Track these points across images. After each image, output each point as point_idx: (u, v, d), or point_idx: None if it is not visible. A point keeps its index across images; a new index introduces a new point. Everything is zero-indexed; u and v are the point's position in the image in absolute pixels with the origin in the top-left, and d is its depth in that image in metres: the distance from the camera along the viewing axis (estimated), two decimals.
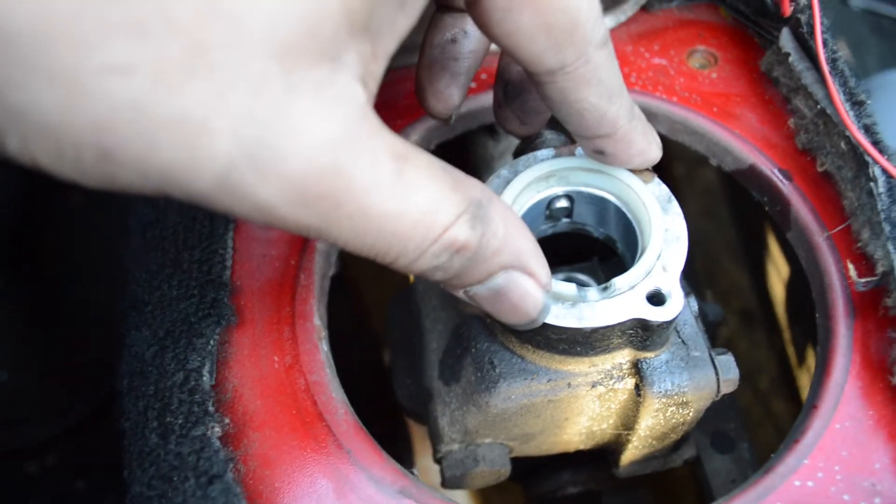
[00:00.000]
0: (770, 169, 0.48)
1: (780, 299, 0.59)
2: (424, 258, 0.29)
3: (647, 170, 0.42)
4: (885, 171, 0.41)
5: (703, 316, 0.58)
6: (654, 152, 0.38)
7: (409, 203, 0.28)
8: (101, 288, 0.72)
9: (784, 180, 0.47)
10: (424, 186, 0.28)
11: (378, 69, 0.29)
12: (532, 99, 0.43)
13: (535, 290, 0.33)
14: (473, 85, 0.51)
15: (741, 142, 0.49)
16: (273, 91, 0.24)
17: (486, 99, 0.52)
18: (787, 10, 0.47)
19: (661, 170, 0.42)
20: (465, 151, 0.58)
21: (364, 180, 0.27)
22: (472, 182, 0.31)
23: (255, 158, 0.24)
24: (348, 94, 0.26)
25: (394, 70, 0.48)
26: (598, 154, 0.38)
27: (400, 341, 0.52)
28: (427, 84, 0.42)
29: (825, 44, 0.44)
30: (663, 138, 0.51)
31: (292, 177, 0.25)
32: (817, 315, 0.44)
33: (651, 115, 0.52)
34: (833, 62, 0.45)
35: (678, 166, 0.60)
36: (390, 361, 0.54)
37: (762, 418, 0.63)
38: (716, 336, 0.54)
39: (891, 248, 0.40)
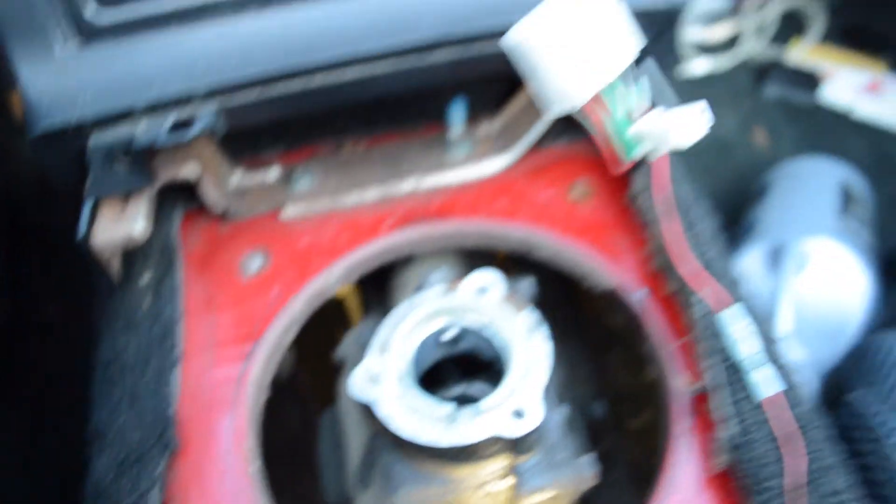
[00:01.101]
0: (630, 288, 0.57)
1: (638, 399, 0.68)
2: None
3: (520, 300, 0.51)
4: (701, 300, 0.50)
5: (588, 415, 0.67)
6: None
7: None
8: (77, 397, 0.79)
9: (641, 299, 0.57)
10: None
11: None
12: None
13: None
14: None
15: (608, 265, 0.59)
16: None
17: (402, 236, 0.61)
18: (618, 169, 0.55)
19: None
20: (385, 282, 0.67)
21: None
22: None
23: None
24: None
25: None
26: None
27: (329, 448, 0.60)
28: None
29: (663, 189, 0.54)
30: (546, 265, 0.61)
31: None
32: (665, 413, 0.52)
33: (536, 245, 0.61)
34: (677, 199, 0.55)
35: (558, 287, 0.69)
36: (321, 465, 0.62)
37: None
38: (603, 429, 0.63)
39: (706, 364, 0.49)
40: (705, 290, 0.51)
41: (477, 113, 0.66)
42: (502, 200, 0.63)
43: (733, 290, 0.52)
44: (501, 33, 0.47)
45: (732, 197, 1.23)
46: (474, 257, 0.70)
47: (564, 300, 0.71)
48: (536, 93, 0.45)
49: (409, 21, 0.53)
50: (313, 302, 0.60)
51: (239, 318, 0.59)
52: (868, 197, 1.07)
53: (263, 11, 0.53)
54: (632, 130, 0.48)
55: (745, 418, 0.49)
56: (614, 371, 0.73)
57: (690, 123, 0.47)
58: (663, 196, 0.54)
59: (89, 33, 0.52)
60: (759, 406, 0.49)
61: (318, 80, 0.54)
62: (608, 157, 0.48)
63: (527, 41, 0.42)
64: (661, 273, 0.57)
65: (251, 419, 0.53)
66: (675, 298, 0.55)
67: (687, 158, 1.31)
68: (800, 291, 0.85)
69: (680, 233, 0.53)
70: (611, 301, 0.60)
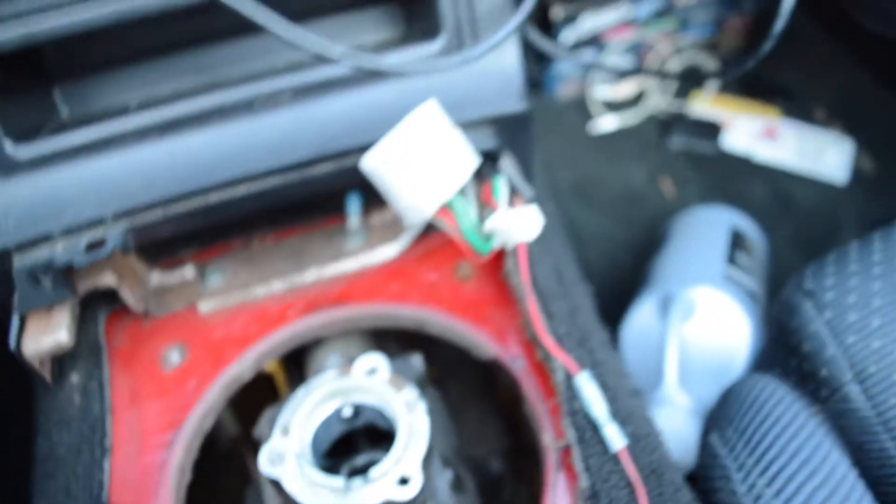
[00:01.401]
0: (509, 357, 0.65)
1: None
2: None
3: (400, 378, 0.58)
4: (562, 366, 0.58)
5: (487, 471, 0.74)
6: None
7: None
8: None
9: (517, 366, 0.64)
10: None
11: None
12: None
13: None
14: None
15: (490, 337, 0.66)
16: None
17: (307, 322, 0.69)
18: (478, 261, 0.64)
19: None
20: (300, 365, 0.74)
21: None
22: None
23: None
24: None
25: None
26: None
27: None
28: None
29: (524, 273, 0.62)
30: (435, 342, 0.69)
31: None
32: (541, 467, 0.60)
33: (427, 323, 0.69)
34: (536, 281, 0.63)
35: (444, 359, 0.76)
36: None
37: None
38: (501, 485, 0.70)
39: (565, 423, 0.57)
40: (561, 358, 0.58)
41: (371, 205, 0.74)
42: (396, 284, 0.71)
43: (584, 360, 0.60)
44: (369, 146, 0.55)
45: (645, 246, 1.32)
46: (380, 335, 0.77)
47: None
48: (392, 208, 0.53)
49: (291, 143, 0.61)
50: (229, 388, 0.67)
51: (161, 409, 0.65)
52: (759, 241, 1.16)
53: (162, 140, 0.60)
54: (484, 229, 0.56)
55: (601, 468, 0.56)
56: (519, 429, 0.81)
57: (528, 223, 0.55)
58: (524, 279, 0.62)
59: (8, 168, 0.59)
60: (613, 457, 0.56)
61: (215, 198, 0.61)
62: (467, 252, 0.56)
63: (376, 168, 0.50)
64: (531, 343, 0.65)
65: (176, 501, 0.59)
66: (544, 365, 0.63)
67: (605, 208, 1.41)
68: (688, 338, 0.93)
69: (536, 310, 0.61)
70: (496, 368, 0.67)
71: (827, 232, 1.43)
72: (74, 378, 0.67)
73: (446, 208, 0.53)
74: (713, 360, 0.93)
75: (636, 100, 1.59)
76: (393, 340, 0.79)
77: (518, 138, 0.66)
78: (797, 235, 1.41)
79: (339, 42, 0.69)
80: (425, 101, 0.59)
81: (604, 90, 1.60)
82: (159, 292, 0.72)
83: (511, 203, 0.65)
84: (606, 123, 1.57)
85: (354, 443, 0.66)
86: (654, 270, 1.08)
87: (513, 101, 0.64)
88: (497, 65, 0.64)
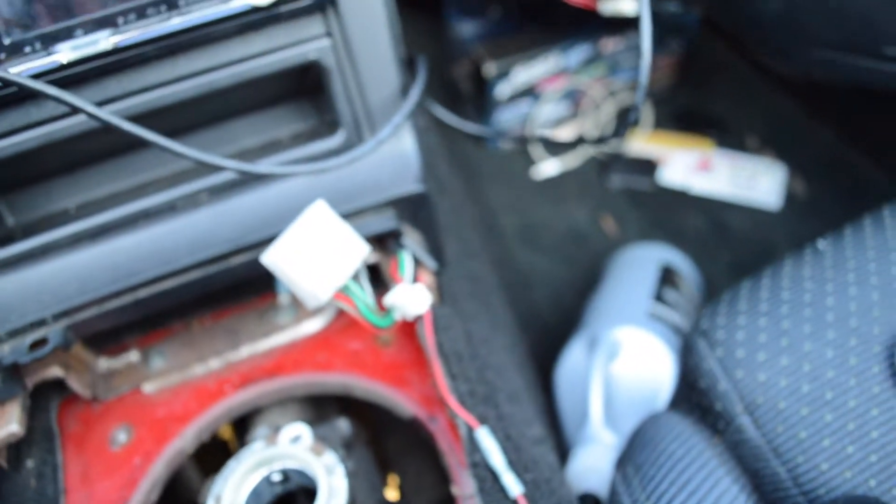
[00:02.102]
0: (426, 416, 0.71)
1: None
2: None
3: (321, 444, 0.65)
4: (465, 423, 0.65)
5: None
6: None
7: None
8: None
9: (432, 424, 0.71)
10: None
11: None
12: None
13: None
14: None
15: (407, 399, 0.73)
16: None
17: (242, 395, 0.75)
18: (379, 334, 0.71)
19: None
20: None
21: None
22: None
23: None
24: None
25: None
26: None
27: None
28: None
29: (429, 338, 0.68)
30: (362, 401, 0.75)
31: None
32: None
33: (352, 387, 0.75)
34: (439, 346, 0.69)
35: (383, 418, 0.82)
36: None
37: None
38: None
39: (468, 477, 0.63)
40: (462, 415, 0.65)
41: None
42: (323, 353, 0.78)
43: (487, 414, 0.67)
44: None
45: (589, 285, 1.39)
46: (318, 400, 0.84)
47: None
48: (294, 294, 0.60)
49: (210, 239, 0.67)
50: (172, 462, 0.73)
51: (110, 487, 0.71)
52: (690, 275, 1.23)
53: (95, 244, 0.67)
54: (384, 302, 0.63)
55: None
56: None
57: (419, 299, 0.62)
58: (429, 344, 0.68)
59: None
60: (513, 502, 0.63)
61: (143, 293, 0.68)
62: (369, 327, 0.63)
63: (274, 263, 0.57)
64: (441, 402, 0.71)
65: None
66: (453, 422, 0.69)
67: (551, 250, 1.48)
68: (614, 377, 1.00)
69: (440, 373, 0.67)
70: (417, 426, 0.73)
71: (762, 257, 1.51)
72: (29, 463, 0.72)
73: (342, 292, 0.60)
74: (639, 397, 0.99)
75: (575, 143, 1.67)
76: (330, 404, 0.85)
77: (420, 215, 0.73)
78: (733, 262, 1.49)
79: (257, 136, 0.76)
80: (329, 193, 0.67)
81: (543, 136, 1.68)
82: (107, 377, 0.78)
83: (416, 275, 0.72)
84: (548, 168, 1.64)
85: (295, 502, 0.72)
86: (586, 311, 1.15)
87: (410, 184, 0.71)
88: (394, 152, 0.71)
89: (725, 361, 0.77)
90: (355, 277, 0.61)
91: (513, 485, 0.62)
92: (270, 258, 0.58)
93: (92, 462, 0.73)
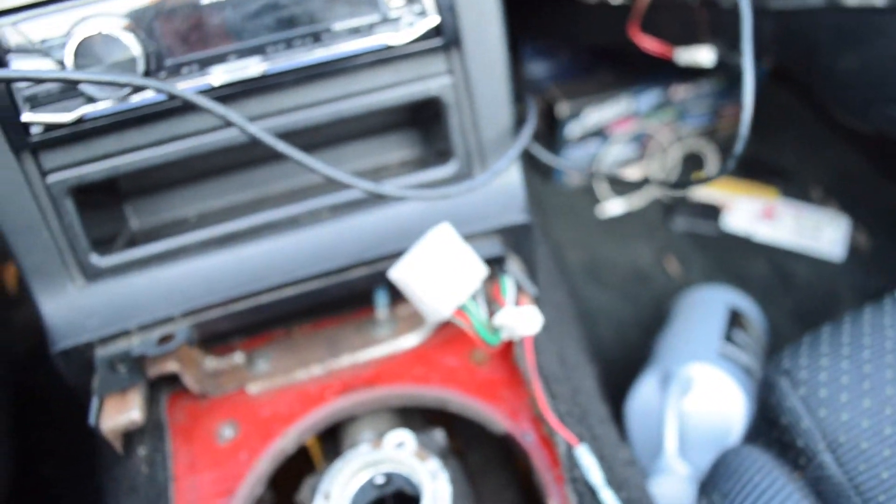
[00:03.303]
0: (519, 432, 0.75)
1: None
2: None
3: (424, 451, 0.69)
4: (564, 440, 0.68)
5: None
6: None
7: None
8: None
9: (527, 440, 0.74)
10: None
11: None
12: None
13: None
14: None
15: (501, 415, 0.76)
16: None
17: (342, 402, 0.79)
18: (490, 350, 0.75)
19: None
20: (335, 439, 0.84)
21: None
22: None
23: None
24: None
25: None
26: None
27: None
28: None
29: (530, 359, 0.72)
30: (457, 417, 0.79)
31: None
32: None
33: (447, 402, 0.79)
34: (541, 367, 0.73)
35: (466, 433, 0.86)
36: None
37: None
38: None
39: (567, 489, 0.66)
40: (563, 433, 0.68)
41: (397, 299, 0.85)
42: (419, 368, 0.82)
43: (583, 434, 0.70)
44: (398, 254, 0.66)
45: (652, 323, 1.42)
46: (406, 412, 0.87)
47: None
48: (417, 308, 0.64)
49: (330, 252, 0.72)
50: (275, 460, 0.77)
51: (217, 478, 0.75)
52: (756, 318, 1.25)
53: (222, 251, 0.72)
54: (493, 323, 0.67)
55: None
56: (532, 496, 0.89)
57: (529, 320, 0.66)
58: (530, 365, 0.72)
59: (92, 275, 0.71)
60: None
61: (266, 298, 0.73)
62: (481, 344, 0.67)
63: (402, 279, 0.61)
64: (539, 419, 0.74)
65: None
66: (550, 439, 0.72)
67: (615, 288, 1.51)
68: (686, 412, 1.02)
69: (541, 392, 0.71)
70: (509, 442, 0.77)
71: (824, 306, 1.52)
72: (141, 451, 0.77)
73: (461, 310, 0.64)
74: (710, 431, 1.02)
75: (641, 184, 1.71)
76: (418, 416, 0.89)
77: (522, 244, 0.77)
78: (796, 310, 1.50)
79: (368, 160, 0.81)
80: (442, 218, 0.71)
81: (610, 176, 1.72)
82: (213, 375, 0.83)
83: (517, 299, 0.76)
84: (614, 207, 1.68)
85: None
86: (657, 348, 1.17)
87: (516, 215, 0.75)
88: (502, 185, 0.76)
89: (808, 400, 0.79)
90: (473, 297, 0.65)
91: (611, 501, 0.65)
92: (398, 273, 0.62)
93: (199, 453, 0.78)
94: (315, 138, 0.78)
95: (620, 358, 1.40)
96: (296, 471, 0.80)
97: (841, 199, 1.68)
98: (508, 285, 0.73)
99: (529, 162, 1.76)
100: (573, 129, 1.62)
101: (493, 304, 0.74)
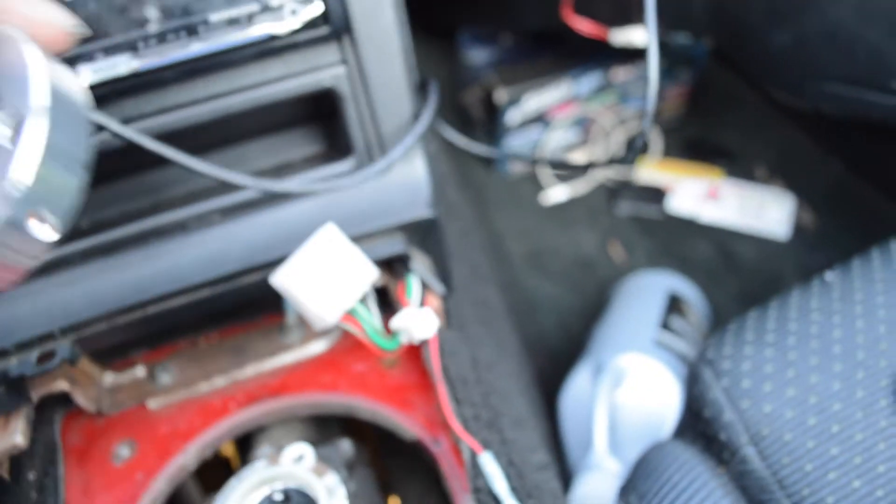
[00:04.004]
0: (429, 439, 0.71)
1: None
2: None
3: (323, 465, 0.65)
4: (468, 447, 0.64)
5: None
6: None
7: None
8: None
9: (436, 447, 0.71)
10: None
11: None
12: None
13: None
14: None
15: (411, 421, 0.73)
16: None
17: (246, 414, 0.75)
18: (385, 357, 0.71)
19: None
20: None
21: None
22: None
23: None
24: None
25: None
26: None
27: None
28: None
29: (435, 362, 0.68)
30: (366, 423, 0.75)
31: None
32: None
33: (356, 409, 0.75)
34: (445, 370, 0.70)
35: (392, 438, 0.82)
36: None
37: None
38: None
39: (468, 500, 0.63)
40: (466, 440, 0.65)
41: None
42: (327, 374, 0.78)
43: (491, 439, 0.67)
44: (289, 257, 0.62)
45: (596, 312, 1.39)
46: (321, 420, 0.84)
47: None
48: (302, 315, 0.60)
49: (220, 258, 0.68)
50: (174, 479, 0.73)
51: (110, 501, 0.71)
52: (697, 303, 1.23)
53: (106, 260, 0.67)
54: (390, 325, 0.63)
55: None
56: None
57: (426, 323, 0.62)
58: (434, 368, 0.68)
59: None
60: None
61: (153, 310, 0.68)
62: (376, 350, 0.63)
63: (283, 284, 0.57)
64: (445, 426, 0.71)
65: None
66: (457, 446, 0.69)
67: (558, 276, 1.48)
68: (619, 404, 0.99)
69: (445, 397, 0.67)
70: (420, 449, 0.73)
71: (769, 286, 1.50)
72: (31, 475, 0.72)
73: (350, 315, 0.60)
74: (644, 425, 0.99)
75: (584, 170, 1.68)
76: (336, 425, 0.85)
77: (429, 240, 0.74)
78: (741, 292, 1.48)
79: (270, 158, 0.77)
80: (340, 216, 0.67)
81: (554, 160, 1.68)
82: (112, 391, 0.78)
83: (423, 299, 0.72)
84: (557, 194, 1.65)
85: None
86: (592, 337, 1.15)
87: (421, 209, 0.71)
88: (405, 177, 0.72)
89: (731, 391, 0.77)
90: (363, 300, 0.61)
91: None
92: (279, 279, 0.58)
93: (93, 476, 0.73)
94: (207, 139, 0.74)
95: (563, 349, 1.38)
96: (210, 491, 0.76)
97: (786, 177, 1.67)
98: (413, 285, 0.69)
99: (469, 152, 1.73)
100: (513, 116, 1.58)
101: (398, 306, 0.71)
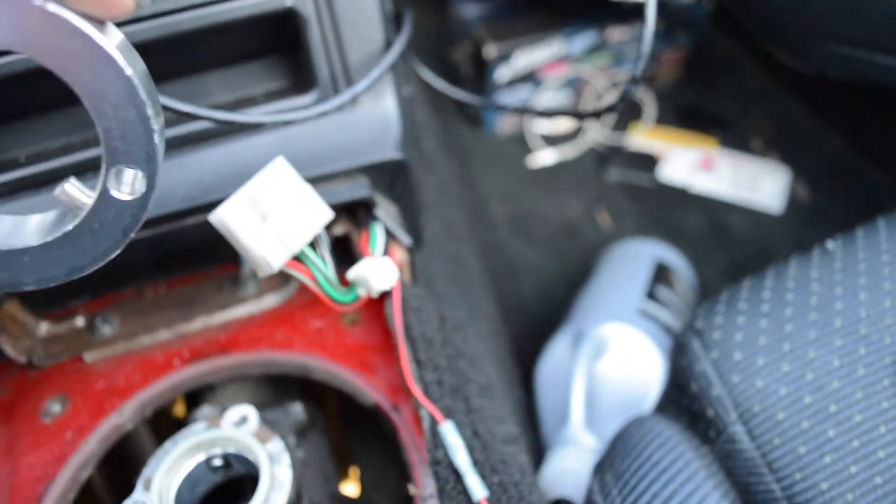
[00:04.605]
0: (389, 405, 0.65)
1: None
2: None
3: (267, 429, 0.58)
4: (430, 414, 0.58)
5: None
6: None
7: None
8: None
9: (395, 414, 0.64)
10: None
11: None
12: None
13: None
14: None
15: (369, 385, 0.66)
16: None
17: (191, 370, 0.68)
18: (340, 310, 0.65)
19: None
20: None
21: None
22: None
23: None
24: None
25: None
26: None
27: None
28: None
29: (397, 317, 0.62)
30: (325, 384, 0.69)
31: None
32: None
33: (312, 369, 0.69)
34: (407, 328, 0.63)
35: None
36: None
37: None
38: None
39: (425, 474, 0.56)
40: (427, 407, 0.58)
41: None
42: (282, 331, 0.71)
43: (455, 407, 0.60)
44: None
45: (579, 280, 1.33)
46: (277, 381, 0.77)
47: None
48: (246, 260, 0.53)
49: (164, 195, 0.61)
50: (108, 439, 0.66)
51: (36, 462, 0.64)
52: (685, 274, 1.17)
53: (38, 194, 0.60)
54: (347, 276, 0.56)
55: None
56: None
57: (385, 273, 0.55)
58: (397, 325, 0.62)
59: None
60: None
61: None
62: (329, 303, 0.56)
63: (223, 222, 0.50)
64: (408, 391, 0.64)
65: None
66: (418, 413, 0.62)
67: (542, 242, 1.42)
68: (600, 376, 0.93)
69: (406, 358, 0.61)
70: (378, 416, 0.67)
71: (761, 260, 1.44)
72: None
73: (299, 261, 0.53)
74: (624, 399, 0.93)
75: (574, 134, 1.61)
76: (292, 386, 0.78)
77: (398, 186, 0.67)
78: (731, 264, 1.43)
79: (230, 93, 0.70)
80: (299, 154, 0.60)
81: (542, 125, 1.61)
82: (47, 342, 0.71)
83: (388, 250, 0.65)
84: (545, 157, 1.58)
85: (243, 492, 0.65)
86: (574, 306, 1.08)
87: (389, 150, 0.64)
88: (372, 114, 0.65)
89: (721, 364, 0.70)
90: (315, 246, 0.54)
91: (477, 487, 0.55)
92: (219, 216, 0.51)
93: (20, 434, 0.66)
94: (160, 68, 0.66)
95: (543, 317, 1.32)
96: None
97: (781, 149, 1.60)
98: (377, 234, 0.62)
99: (457, 108, 1.65)
100: (502, 73, 1.50)
101: (360, 257, 0.64)
